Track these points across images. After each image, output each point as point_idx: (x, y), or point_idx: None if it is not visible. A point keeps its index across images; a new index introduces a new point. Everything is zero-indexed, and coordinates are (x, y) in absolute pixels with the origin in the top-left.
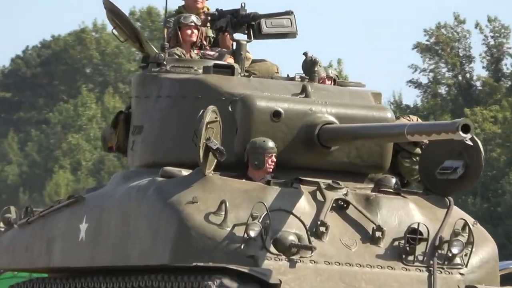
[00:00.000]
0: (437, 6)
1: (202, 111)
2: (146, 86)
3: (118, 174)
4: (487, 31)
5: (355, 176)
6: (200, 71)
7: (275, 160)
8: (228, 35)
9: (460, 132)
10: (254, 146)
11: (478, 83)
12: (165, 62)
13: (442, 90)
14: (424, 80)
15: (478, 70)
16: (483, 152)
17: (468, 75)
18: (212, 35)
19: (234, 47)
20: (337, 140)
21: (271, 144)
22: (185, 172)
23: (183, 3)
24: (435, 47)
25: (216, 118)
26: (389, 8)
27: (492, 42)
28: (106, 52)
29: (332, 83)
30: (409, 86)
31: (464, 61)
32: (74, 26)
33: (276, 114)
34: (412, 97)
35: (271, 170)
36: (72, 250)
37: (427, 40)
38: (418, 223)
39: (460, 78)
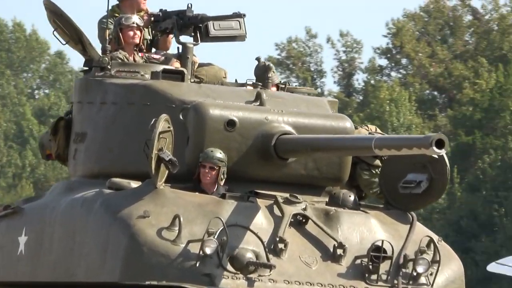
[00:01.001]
0: (288, 20)
1: (154, 120)
2: (90, 92)
3: (59, 184)
4: (339, 46)
5: (312, 189)
6: (147, 76)
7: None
8: (169, 37)
9: (434, 148)
10: (204, 157)
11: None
12: (109, 66)
13: None
14: None
15: (330, 85)
16: (448, 166)
17: (319, 90)
18: (149, 37)
19: (180, 50)
20: (296, 151)
21: (218, 154)
22: (134, 184)
23: (116, 2)
24: (287, 61)
25: (169, 127)
26: None
27: (344, 57)
28: None
29: (278, 89)
30: None
31: (315, 76)
32: None
33: (230, 123)
34: None
35: (207, 181)
36: (10, 264)
37: (278, 54)
38: (382, 241)
39: None
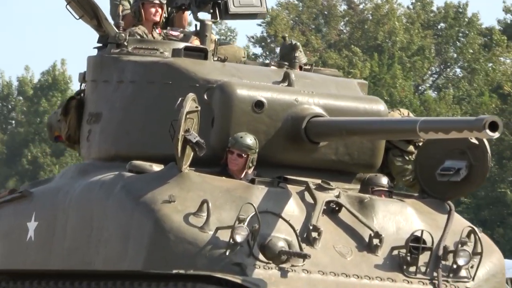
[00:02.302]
0: None
1: (180, 99)
2: (105, 70)
3: (71, 168)
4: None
5: (343, 176)
6: (166, 53)
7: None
8: (185, 14)
9: (487, 131)
10: (233, 143)
11: None
12: (126, 43)
13: None
14: None
15: None
16: (489, 152)
17: None
18: (165, 14)
19: (198, 28)
20: (329, 135)
21: (248, 141)
22: (156, 167)
23: None
24: None
25: (196, 107)
26: None
27: None
28: None
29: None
30: None
31: None
32: None
33: (259, 104)
34: None
35: (234, 168)
36: (18, 251)
37: None
38: (422, 231)
39: None
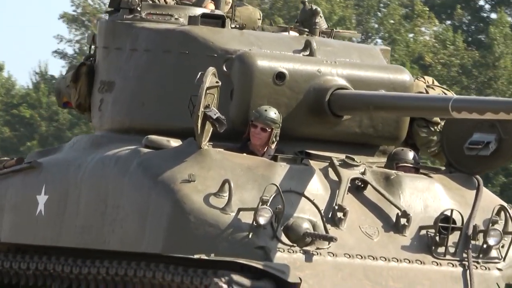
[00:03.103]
0: None
1: (200, 73)
2: (118, 36)
3: (82, 138)
4: None
5: (366, 149)
6: (181, 19)
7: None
8: None
9: None
10: (257, 116)
11: None
12: (139, 8)
13: None
14: (70, 51)
15: None
16: None
17: None
18: None
19: None
20: (354, 109)
21: (272, 114)
22: (174, 143)
23: None
24: (82, 17)
25: (217, 82)
26: None
27: None
28: None
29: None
30: (55, 56)
31: None
32: None
33: (280, 76)
34: (57, 68)
35: (257, 143)
36: (27, 224)
37: (74, 11)
38: (452, 210)
39: None
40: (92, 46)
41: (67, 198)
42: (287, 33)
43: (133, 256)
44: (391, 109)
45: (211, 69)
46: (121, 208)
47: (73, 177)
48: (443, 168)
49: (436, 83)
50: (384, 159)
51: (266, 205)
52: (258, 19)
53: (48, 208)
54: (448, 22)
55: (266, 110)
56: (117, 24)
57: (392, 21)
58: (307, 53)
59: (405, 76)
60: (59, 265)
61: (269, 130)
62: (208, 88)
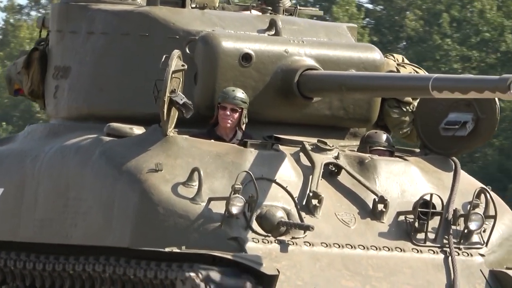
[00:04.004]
0: None
1: (165, 56)
2: (72, 19)
3: (37, 128)
4: None
5: (336, 132)
6: (140, 1)
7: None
8: None
9: None
10: (225, 97)
11: None
12: None
13: None
14: None
15: None
16: (498, 103)
17: None
18: None
19: None
20: (325, 90)
21: (240, 94)
22: (137, 130)
23: None
24: None
25: (182, 66)
26: None
27: None
28: None
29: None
30: None
31: None
32: None
33: (246, 57)
34: None
35: (228, 125)
36: None
37: None
38: (431, 194)
39: None
40: (43, 30)
41: (24, 190)
42: (248, 12)
43: (101, 251)
44: (366, 90)
45: (176, 52)
46: (83, 200)
47: (30, 168)
48: (418, 150)
49: (406, 60)
50: (355, 142)
51: (238, 193)
52: None
53: (3, 201)
54: None
55: (233, 90)
56: (71, 6)
57: None
58: (273, 32)
59: (375, 54)
60: (20, 261)
61: (240, 110)
62: (173, 72)
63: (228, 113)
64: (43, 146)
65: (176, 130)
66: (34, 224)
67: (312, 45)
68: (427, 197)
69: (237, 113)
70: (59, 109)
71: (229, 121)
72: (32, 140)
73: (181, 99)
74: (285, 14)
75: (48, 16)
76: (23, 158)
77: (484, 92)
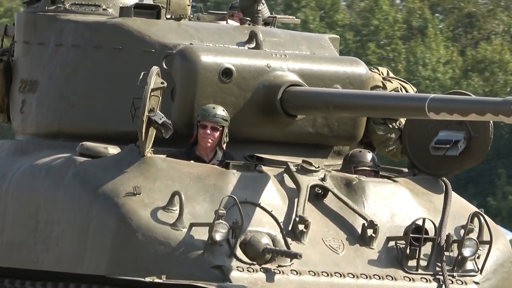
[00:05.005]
0: None
1: (143, 73)
2: (39, 30)
3: (4, 144)
4: None
5: (319, 150)
6: (110, 10)
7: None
8: None
9: None
10: (204, 115)
11: None
12: None
13: None
14: None
15: None
16: (491, 121)
17: None
18: None
19: None
20: (311, 108)
21: (221, 111)
22: (112, 150)
23: None
24: None
25: (162, 83)
26: None
27: None
28: None
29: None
30: None
31: None
32: None
33: (226, 72)
34: None
35: (208, 145)
36: None
37: None
38: (424, 219)
39: None
40: (6, 40)
41: None
42: (225, 23)
43: (72, 278)
44: (355, 109)
45: (155, 69)
46: (55, 223)
47: None
48: (405, 169)
49: (391, 74)
50: (339, 161)
51: (222, 219)
52: (188, 5)
53: None
54: None
55: (214, 108)
56: (39, 16)
57: None
58: (253, 45)
59: (361, 68)
60: None
61: (220, 128)
62: (152, 90)
63: (208, 132)
64: (11, 164)
65: (152, 149)
66: (2, 247)
67: (295, 59)
68: (420, 222)
69: (218, 132)
70: (26, 125)
71: (210, 140)
72: None
73: (160, 118)
74: (262, 24)
75: (10, 25)
76: None
77: (486, 114)
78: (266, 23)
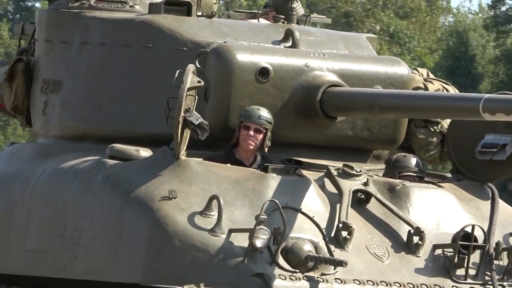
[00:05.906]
0: None
1: (179, 72)
2: (63, 28)
3: (25, 147)
4: None
5: (358, 154)
6: (137, 7)
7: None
8: None
9: None
10: (248, 116)
11: None
12: None
13: None
14: None
15: None
16: None
17: None
18: None
19: None
20: (353, 110)
21: (265, 113)
22: (144, 152)
23: None
24: None
25: (198, 82)
26: None
27: None
28: None
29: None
30: None
31: None
32: None
33: (263, 72)
34: None
35: (250, 148)
36: None
37: None
38: (473, 226)
39: None
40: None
41: (13, 217)
42: (256, 21)
43: (101, 286)
44: (402, 110)
45: (191, 67)
46: (84, 230)
47: (20, 193)
48: (449, 175)
49: (431, 75)
50: (378, 165)
51: (264, 225)
52: (214, 3)
53: None
54: None
55: (258, 109)
56: (62, 13)
57: None
58: (289, 44)
59: (403, 69)
60: None
61: (264, 131)
62: (188, 89)
63: (251, 133)
64: (34, 168)
65: (186, 152)
66: (26, 255)
67: (334, 59)
68: (469, 229)
69: (261, 134)
70: (49, 127)
71: (252, 142)
72: (20, 161)
73: (197, 119)
74: (297, 23)
75: (28, 23)
76: (11, 181)
77: None
78: (301, 21)
